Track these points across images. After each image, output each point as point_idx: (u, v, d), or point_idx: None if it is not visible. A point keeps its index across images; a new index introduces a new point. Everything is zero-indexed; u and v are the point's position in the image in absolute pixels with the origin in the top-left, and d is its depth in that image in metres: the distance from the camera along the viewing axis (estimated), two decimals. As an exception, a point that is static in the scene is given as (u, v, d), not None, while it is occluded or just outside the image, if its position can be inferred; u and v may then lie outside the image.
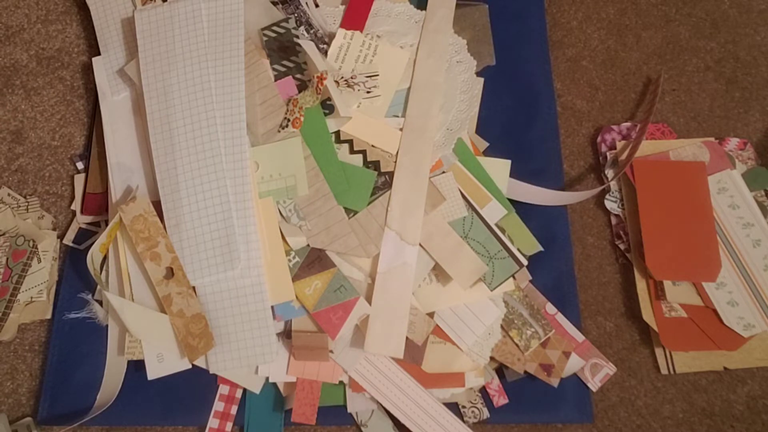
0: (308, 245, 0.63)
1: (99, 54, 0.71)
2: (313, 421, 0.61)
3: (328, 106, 0.67)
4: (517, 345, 0.64)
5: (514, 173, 0.69)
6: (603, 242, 0.72)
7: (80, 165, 0.72)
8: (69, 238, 0.69)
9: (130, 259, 0.62)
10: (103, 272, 0.64)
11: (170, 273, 0.61)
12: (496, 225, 0.66)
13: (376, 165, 0.66)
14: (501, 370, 0.65)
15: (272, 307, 0.61)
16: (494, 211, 0.67)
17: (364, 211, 0.65)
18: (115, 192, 0.65)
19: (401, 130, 0.68)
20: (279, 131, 0.65)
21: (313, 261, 0.63)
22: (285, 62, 0.68)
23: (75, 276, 0.68)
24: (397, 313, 0.61)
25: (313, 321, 0.62)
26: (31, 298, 0.67)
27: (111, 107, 0.68)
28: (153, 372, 0.60)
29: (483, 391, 0.65)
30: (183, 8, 0.67)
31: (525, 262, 0.64)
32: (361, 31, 0.71)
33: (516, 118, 0.74)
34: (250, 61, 0.67)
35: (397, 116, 0.69)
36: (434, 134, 0.68)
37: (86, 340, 0.66)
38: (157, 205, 0.63)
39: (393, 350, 0.61)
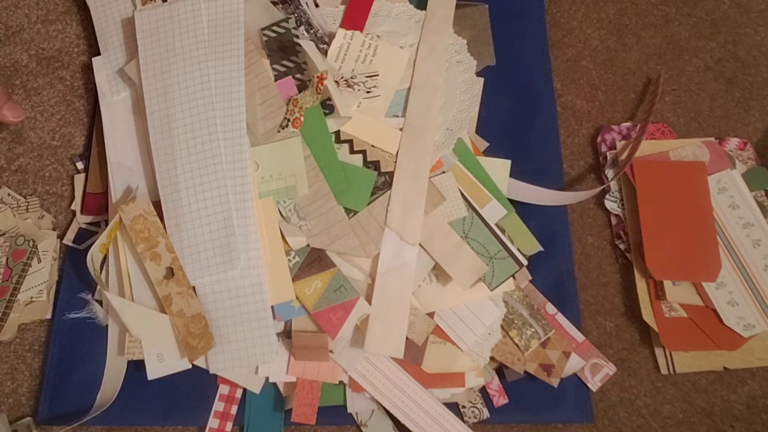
0: (308, 245, 0.63)
1: (99, 54, 0.71)
2: (313, 421, 0.61)
3: (328, 106, 0.67)
4: (517, 345, 0.64)
5: (514, 173, 0.69)
6: (603, 242, 0.72)
7: (80, 165, 0.72)
8: (69, 238, 0.69)
9: (130, 259, 0.62)
10: (103, 272, 0.64)
11: (170, 273, 0.61)
12: (496, 225, 0.66)
13: (376, 165, 0.66)
14: (501, 370, 0.65)
15: (272, 307, 0.61)
16: (494, 211, 0.67)
17: (364, 211, 0.65)
18: (115, 192, 0.65)
19: (401, 130, 0.68)
20: (279, 131, 0.65)
21: (313, 261, 0.63)
22: (285, 62, 0.68)
23: (75, 276, 0.68)
24: (397, 313, 0.62)
25: (313, 321, 0.62)
26: (31, 298, 0.67)
27: (111, 107, 0.68)
28: (153, 372, 0.60)
29: (483, 391, 0.65)
30: (183, 8, 0.67)
31: (525, 262, 0.64)
32: (361, 31, 0.71)
33: (516, 118, 0.74)
34: (250, 61, 0.67)
35: (397, 116, 0.69)
36: (434, 134, 0.68)
37: (86, 340, 0.66)
38: (157, 205, 0.63)
39: (393, 350, 0.61)
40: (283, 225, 0.63)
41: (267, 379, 0.63)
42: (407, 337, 0.62)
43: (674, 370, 0.66)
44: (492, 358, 0.64)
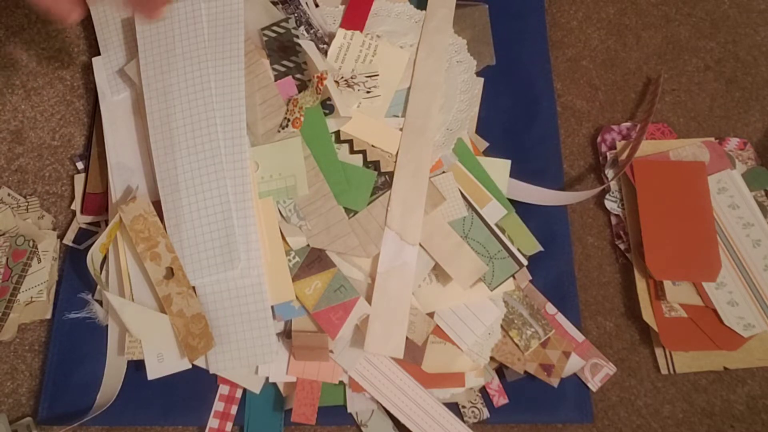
0: (308, 245, 0.63)
1: (99, 54, 0.70)
2: (313, 421, 0.61)
3: (328, 106, 0.67)
4: (517, 345, 0.64)
5: (514, 173, 0.69)
6: (603, 242, 0.72)
7: (80, 165, 0.72)
8: (69, 238, 0.69)
9: (130, 259, 0.62)
10: (103, 272, 0.64)
11: (170, 273, 0.61)
12: (496, 225, 0.66)
13: (376, 165, 0.66)
14: (501, 370, 0.65)
15: (272, 307, 0.61)
16: (494, 211, 0.67)
17: (364, 211, 0.65)
18: (115, 192, 0.65)
19: (401, 130, 0.68)
20: (279, 131, 0.65)
21: (313, 261, 0.63)
22: (285, 62, 0.68)
23: (75, 276, 0.68)
24: (397, 313, 0.61)
25: (313, 321, 0.62)
26: (31, 298, 0.67)
27: (111, 107, 0.68)
28: (153, 372, 0.60)
29: (483, 391, 0.65)
30: (183, 8, 0.66)
31: (525, 262, 0.64)
32: (361, 31, 0.71)
33: (516, 118, 0.74)
34: (250, 61, 0.67)
35: (397, 116, 0.69)
36: (434, 134, 0.68)
37: (86, 340, 0.66)
38: (157, 205, 0.63)
39: (393, 350, 0.61)
40: (283, 225, 0.63)
41: (267, 379, 0.63)
42: (407, 337, 0.62)
43: (674, 370, 0.66)
44: (492, 358, 0.64)
